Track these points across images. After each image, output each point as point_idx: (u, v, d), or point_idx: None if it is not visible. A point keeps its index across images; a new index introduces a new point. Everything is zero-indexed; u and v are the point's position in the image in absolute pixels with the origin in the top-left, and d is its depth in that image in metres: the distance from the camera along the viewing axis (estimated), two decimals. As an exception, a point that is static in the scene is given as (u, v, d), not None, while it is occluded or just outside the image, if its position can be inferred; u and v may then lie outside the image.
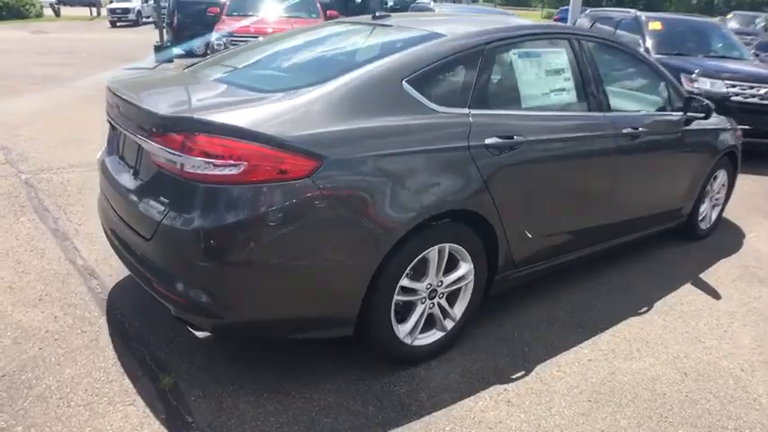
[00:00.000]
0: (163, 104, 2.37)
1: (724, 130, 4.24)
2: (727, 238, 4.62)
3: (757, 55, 9.04)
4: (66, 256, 3.57)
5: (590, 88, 3.20)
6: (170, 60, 12.93)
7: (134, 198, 2.41)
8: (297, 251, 2.18)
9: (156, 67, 11.86)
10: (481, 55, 2.72)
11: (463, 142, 2.53)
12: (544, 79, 3.04)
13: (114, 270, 3.41)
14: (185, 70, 3.16)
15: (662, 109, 3.79)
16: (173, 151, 2.12)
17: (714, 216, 4.58)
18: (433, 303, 2.68)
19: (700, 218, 4.38)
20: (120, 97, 2.55)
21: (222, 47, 9.67)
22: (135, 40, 19.52)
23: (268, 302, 2.23)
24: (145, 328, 2.85)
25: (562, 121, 3.04)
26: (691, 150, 3.96)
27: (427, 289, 2.60)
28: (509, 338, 2.99)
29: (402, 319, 2.58)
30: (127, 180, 2.54)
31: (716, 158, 4.18)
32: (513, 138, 2.71)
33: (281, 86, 2.49)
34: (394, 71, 2.45)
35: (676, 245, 4.34)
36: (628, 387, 2.67)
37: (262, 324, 2.30)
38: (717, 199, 4.54)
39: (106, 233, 2.89)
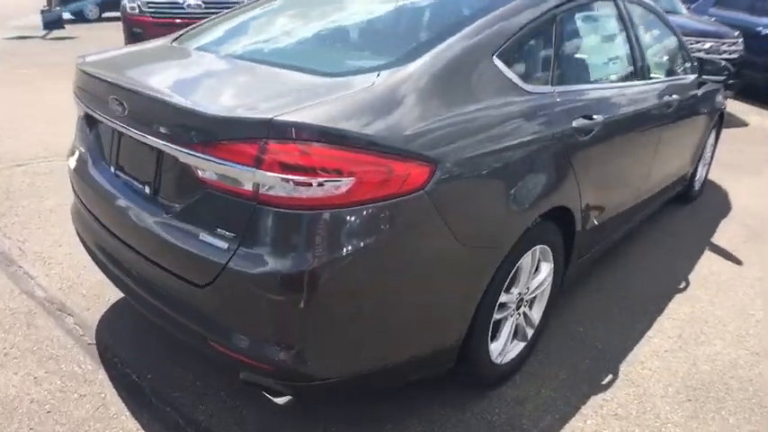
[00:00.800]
0: (208, 100, 1.74)
1: (719, 90, 4.19)
2: (715, 198, 4.68)
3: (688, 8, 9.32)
4: (19, 288, 2.79)
5: (636, 55, 2.91)
6: (60, 26, 11.17)
7: (159, 229, 1.77)
8: (411, 282, 1.72)
9: (46, 35, 10.17)
10: (554, 21, 2.31)
11: (556, 127, 2.15)
12: (603, 47, 2.71)
13: (90, 298, 2.71)
14: (176, 43, 2.47)
15: (681, 72, 3.62)
16: (241, 167, 1.53)
17: (704, 176, 4.60)
18: (519, 314, 2.33)
19: (696, 179, 4.37)
20: (121, 87, 1.88)
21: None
22: (20, 2, 16.76)
23: (374, 350, 1.75)
24: (162, 379, 2.26)
25: (624, 94, 2.73)
26: (701, 113, 3.87)
27: (516, 299, 2.25)
28: (576, 336, 2.73)
29: (492, 337, 2.21)
30: (139, 202, 1.89)
31: (715, 118, 4.15)
32: (593, 118, 2.37)
33: (343, 68, 1.96)
34: (484, 44, 1.97)
35: (674, 210, 4.31)
36: (715, 378, 2.52)
37: (361, 378, 1.79)
38: (707, 158, 4.56)
39: (98, 261, 2.22)
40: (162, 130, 1.72)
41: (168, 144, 1.70)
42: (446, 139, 1.72)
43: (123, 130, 1.90)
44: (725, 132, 4.93)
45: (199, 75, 2.13)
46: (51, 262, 3.03)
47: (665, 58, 3.56)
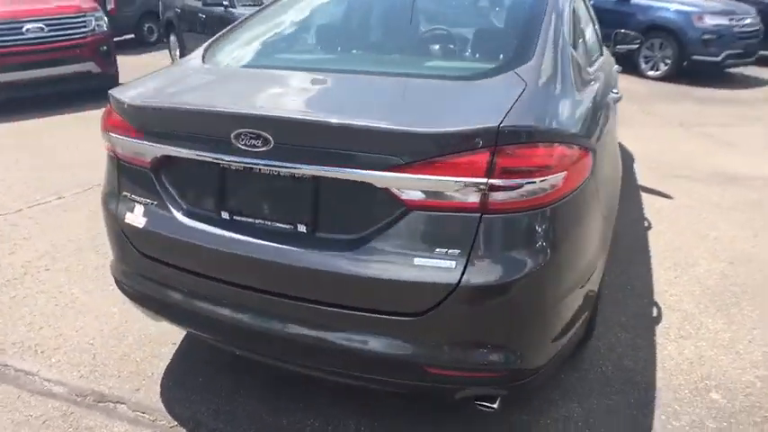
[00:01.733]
0: (396, 119, 1.59)
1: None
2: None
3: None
4: (27, 390, 2.25)
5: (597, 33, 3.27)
6: None
7: (338, 267, 1.59)
8: (588, 257, 1.81)
9: None
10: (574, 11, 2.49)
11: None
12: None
13: (129, 376, 2.31)
14: (229, 66, 2.24)
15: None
16: (466, 179, 1.47)
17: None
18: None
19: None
20: (268, 118, 1.65)
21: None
22: None
23: (567, 327, 1.78)
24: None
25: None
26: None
27: None
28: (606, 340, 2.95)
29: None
30: (286, 243, 1.66)
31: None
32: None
33: (468, 71, 2.00)
34: (563, 35, 2.07)
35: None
36: (721, 288, 2.98)
37: (557, 359, 1.79)
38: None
39: (201, 325, 1.96)
40: (337, 158, 1.56)
41: (355, 171, 1.54)
42: (590, 125, 1.84)
43: (256, 166, 1.66)
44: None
45: (331, 94, 1.94)
46: (44, 350, 2.49)
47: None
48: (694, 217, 3.84)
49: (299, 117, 1.65)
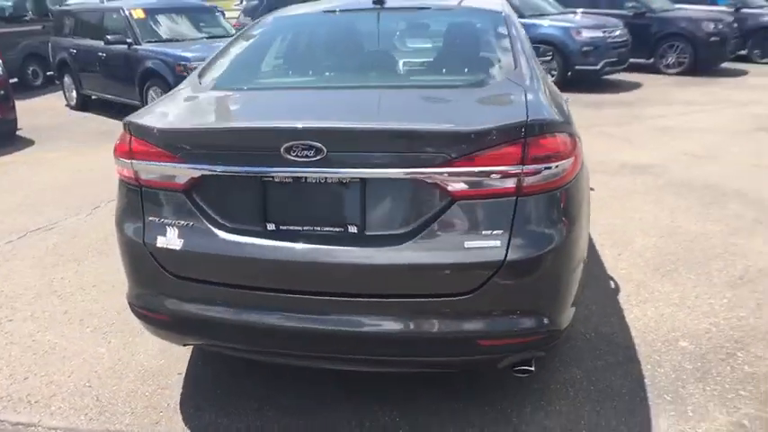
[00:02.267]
0: (442, 120, 1.81)
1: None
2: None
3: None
4: (40, 441, 2.11)
5: None
6: None
7: (395, 260, 1.73)
8: (586, 237, 2.11)
9: None
10: None
11: None
12: None
13: (147, 411, 2.24)
14: (244, 88, 2.31)
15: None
16: (505, 167, 1.69)
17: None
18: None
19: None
20: (326, 129, 1.77)
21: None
22: None
23: (574, 300, 2.00)
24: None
25: None
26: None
27: None
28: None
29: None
30: (336, 245, 1.78)
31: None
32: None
33: (471, 79, 2.25)
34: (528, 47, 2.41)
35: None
36: (682, 254, 3.42)
37: (570, 329, 2.04)
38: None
39: (246, 340, 2.00)
40: (388, 160, 1.73)
41: (406, 170, 1.70)
42: (570, 117, 2.11)
43: (303, 176, 1.76)
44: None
45: (365, 105, 2.07)
46: (38, 399, 2.34)
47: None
48: (618, 203, 4.35)
49: (354, 126, 1.78)
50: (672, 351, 2.53)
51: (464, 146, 1.68)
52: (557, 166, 1.74)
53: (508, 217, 1.70)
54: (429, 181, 1.71)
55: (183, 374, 2.47)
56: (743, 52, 11.08)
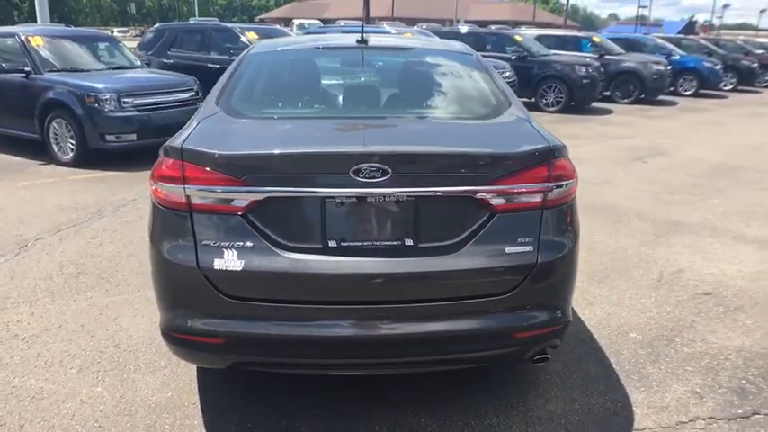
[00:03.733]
0: (488, 145, 2.14)
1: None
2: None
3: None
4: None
5: None
6: None
7: (445, 268, 1.99)
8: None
9: None
10: None
11: None
12: None
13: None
14: (276, 116, 2.50)
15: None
16: (536, 185, 2.03)
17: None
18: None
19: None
20: (393, 153, 2.01)
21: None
22: None
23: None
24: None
25: None
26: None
27: None
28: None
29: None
30: (392, 258, 2.00)
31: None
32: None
33: (480, 114, 2.55)
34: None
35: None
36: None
37: None
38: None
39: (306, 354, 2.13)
40: (442, 179, 1.99)
41: (458, 188, 1.99)
42: None
43: (367, 196, 1.96)
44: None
45: (409, 132, 2.34)
46: None
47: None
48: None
49: (416, 149, 2.05)
50: (626, 341, 3.00)
51: (505, 167, 2.01)
52: (567, 185, 2.11)
53: (536, 226, 2.05)
54: (474, 197, 2.00)
55: (198, 403, 2.47)
56: (607, 93, 12.87)
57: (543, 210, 2.06)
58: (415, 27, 15.60)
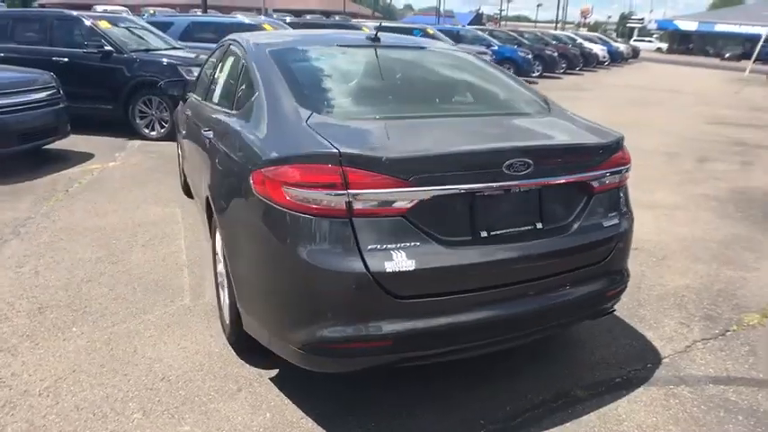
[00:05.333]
0: (580, 138, 2.47)
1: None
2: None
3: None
4: None
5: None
6: None
7: (564, 245, 2.30)
8: None
9: None
10: None
11: None
12: None
13: None
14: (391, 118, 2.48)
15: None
16: (618, 168, 2.43)
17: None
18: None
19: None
20: (537, 148, 2.30)
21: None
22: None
23: None
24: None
25: None
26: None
27: None
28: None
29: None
30: (528, 241, 2.25)
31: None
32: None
33: (527, 110, 2.83)
34: None
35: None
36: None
37: None
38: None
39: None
40: (565, 169, 2.28)
41: (577, 175, 2.30)
42: None
43: (512, 187, 2.17)
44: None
45: (512, 129, 2.57)
46: None
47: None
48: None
49: (552, 144, 2.33)
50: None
51: (602, 154, 2.38)
52: (627, 169, 2.55)
53: (617, 202, 2.48)
54: (587, 182, 2.34)
55: (306, 416, 2.40)
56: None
57: (619, 188, 2.49)
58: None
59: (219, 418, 2.39)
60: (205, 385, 2.59)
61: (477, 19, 66.22)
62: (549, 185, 2.28)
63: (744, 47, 51.62)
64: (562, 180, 2.31)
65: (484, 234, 2.18)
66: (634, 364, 2.86)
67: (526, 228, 2.27)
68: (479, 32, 18.01)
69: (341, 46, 3.15)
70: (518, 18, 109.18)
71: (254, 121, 2.49)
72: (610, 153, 2.43)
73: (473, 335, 2.24)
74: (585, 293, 2.42)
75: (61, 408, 2.41)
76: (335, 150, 1.99)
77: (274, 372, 2.69)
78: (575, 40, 25.95)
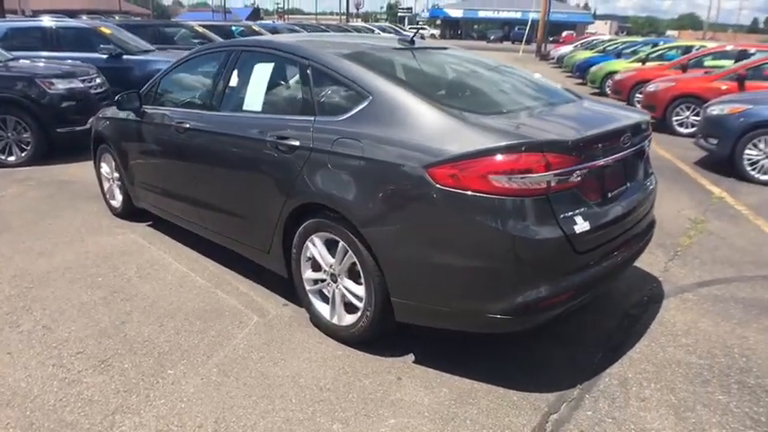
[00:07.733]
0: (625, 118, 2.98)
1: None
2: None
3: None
4: None
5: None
6: None
7: (653, 195, 3.05)
8: None
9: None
10: None
11: None
12: None
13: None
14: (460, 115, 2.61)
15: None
16: (650, 138, 3.16)
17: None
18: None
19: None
20: (623, 127, 2.76)
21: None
22: None
23: None
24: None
25: None
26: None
27: None
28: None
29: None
30: (636, 190, 2.90)
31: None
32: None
33: (557, 100, 3.26)
34: None
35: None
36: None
37: None
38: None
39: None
40: (637, 140, 2.87)
41: (643, 143, 2.94)
42: None
43: (627, 156, 2.73)
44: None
45: (592, 113, 3.05)
46: None
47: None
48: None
49: (636, 120, 2.92)
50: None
51: (646, 128, 3.07)
52: (651, 139, 3.31)
53: (649, 164, 3.21)
54: (642, 149, 3.02)
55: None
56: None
57: (647, 155, 3.22)
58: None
59: (408, 403, 2.49)
60: (366, 383, 2.63)
61: (255, 14, 64.81)
62: (632, 155, 2.91)
63: (503, 30, 61.38)
64: (638, 148, 2.97)
65: (609, 196, 2.72)
66: (647, 285, 3.70)
67: (622, 188, 2.86)
68: (297, 27, 18.15)
69: (395, 49, 3.33)
70: (293, 11, 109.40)
71: (387, 124, 2.60)
72: (649, 126, 3.17)
73: (610, 275, 2.78)
74: (651, 224, 3.22)
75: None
76: (534, 140, 2.35)
77: (410, 357, 2.83)
78: (373, 30, 27.60)
